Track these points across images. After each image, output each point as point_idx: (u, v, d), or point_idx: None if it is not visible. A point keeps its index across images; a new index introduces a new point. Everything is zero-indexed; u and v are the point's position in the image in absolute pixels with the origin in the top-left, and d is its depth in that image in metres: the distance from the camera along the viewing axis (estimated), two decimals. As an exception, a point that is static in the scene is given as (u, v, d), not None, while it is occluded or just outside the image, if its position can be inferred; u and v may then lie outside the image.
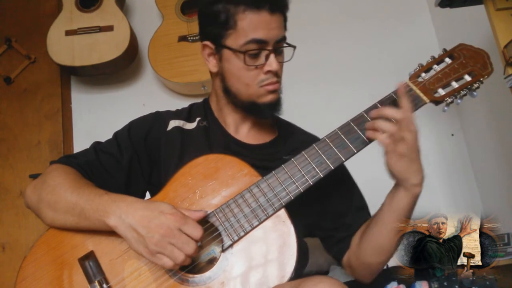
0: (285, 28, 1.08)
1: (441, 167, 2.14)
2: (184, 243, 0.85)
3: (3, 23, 2.30)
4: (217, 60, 1.08)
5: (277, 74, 1.06)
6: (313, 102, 2.18)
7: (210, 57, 1.09)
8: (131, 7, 2.34)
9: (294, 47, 1.08)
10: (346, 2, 2.35)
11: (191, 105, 1.21)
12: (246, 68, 1.02)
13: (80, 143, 2.14)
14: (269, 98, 1.06)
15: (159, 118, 1.15)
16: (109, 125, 2.09)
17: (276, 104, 1.08)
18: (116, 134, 1.12)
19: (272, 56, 1.02)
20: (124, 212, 0.87)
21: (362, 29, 2.29)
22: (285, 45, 1.06)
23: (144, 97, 2.22)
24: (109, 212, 0.88)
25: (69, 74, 2.22)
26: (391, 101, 0.98)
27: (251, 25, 1.00)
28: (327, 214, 1.11)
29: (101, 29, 2.05)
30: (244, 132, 1.14)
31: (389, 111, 0.91)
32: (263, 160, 1.09)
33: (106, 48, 2.01)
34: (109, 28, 2.05)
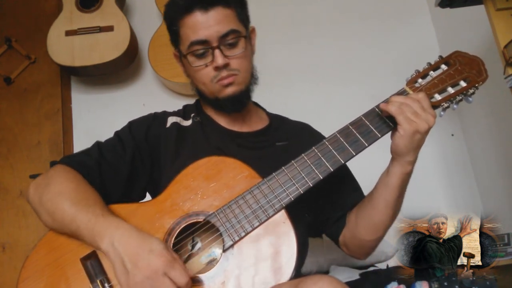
0: (239, 20, 1.09)
1: (441, 167, 2.14)
2: None
3: (3, 23, 2.29)
4: (183, 66, 1.16)
5: (230, 68, 1.07)
6: (313, 102, 2.18)
7: (180, 63, 1.18)
8: (131, 7, 2.34)
9: (244, 36, 1.09)
10: (346, 2, 2.35)
11: (185, 106, 1.25)
12: (194, 69, 1.08)
13: (80, 143, 2.14)
14: (228, 91, 1.09)
15: (158, 116, 1.18)
16: (109, 125, 2.09)
17: (238, 96, 1.10)
18: (117, 132, 1.14)
19: (216, 52, 1.05)
20: (117, 240, 0.87)
21: (362, 29, 2.29)
22: (232, 38, 1.06)
23: (144, 97, 2.22)
24: (103, 237, 0.88)
25: (69, 74, 2.22)
26: None
27: (189, 28, 1.06)
28: (321, 198, 1.13)
29: (101, 29, 2.05)
30: (237, 124, 1.18)
31: (413, 95, 0.96)
32: (257, 149, 1.14)
33: (106, 48, 2.01)
34: (109, 28, 2.05)
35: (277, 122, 1.24)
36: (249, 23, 1.14)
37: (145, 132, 1.13)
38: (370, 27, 2.30)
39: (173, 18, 1.10)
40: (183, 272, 0.85)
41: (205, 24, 1.04)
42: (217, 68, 1.06)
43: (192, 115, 1.19)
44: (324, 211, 1.15)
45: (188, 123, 1.17)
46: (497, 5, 1.25)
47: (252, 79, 1.13)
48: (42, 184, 1.00)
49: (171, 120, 1.16)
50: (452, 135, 2.18)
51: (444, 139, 2.17)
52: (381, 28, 2.30)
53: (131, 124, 1.16)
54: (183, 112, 1.21)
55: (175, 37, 1.12)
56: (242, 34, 1.08)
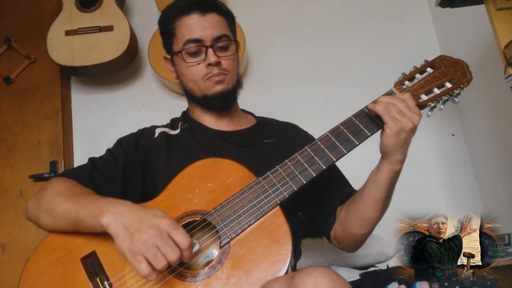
0: (229, 28, 1.20)
1: (441, 167, 2.14)
2: (170, 248, 0.83)
3: (3, 23, 2.30)
4: (173, 68, 1.22)
5: (221, 67, 1.15)
6: (313, 102, 2.18)
7: (171, 67, 1.24)
8: (131, 7, 2.35)
9: (234, 41, 1.20)
10: (346, 2, 2.35)
11: (172, 119, 1.30)
12: (187, 65, 1.15)
13: (80, 143, 2.14)
14: (217, 88, 1.15)
15: (146, 130, 1.24)
16: (109, 125, 2.11)
17: (226, 94, 1.17)
18: (108, 149, 1.18)
19: (210, 51, 1.13)
20: (119, 211, 0.89)
21: (362, 29, 2.30)
22: (224, 40, 1.16)
23: (144, 97, 2.22)
24: (104, 211, 0.89)
25: (69, 74, 2.22)
26: None
27: (185, 28, 1.15)
28: (310, 195, 1.15)
29: (101, 29, 2.05)
30: (224, 125, 1.22)
31: (399, 95, 1.00)
32: (245, 146, 1.18)
33: (106, 48, 2.01)
34: (109, 28, 2.05)
35: (264, 122, 1.29)
36: (236, 37, 1.24)
37: (134, 144, 1.17)
38: (370, 27, 2.30)
39: (170, 18, 1.18)
40: (186, 234, 0.86)
41: (201, 25, 1.13)
42: (209, 66, 1.13)
43: (180, 123, 1.24)
44: (313, 208, 1.18)
45: (176, 131, 1.23)
46: (498, 5, 1.25)
47: (238, 82, 1.21)
48: (38, 194, 1.04)
49: (158, 131, 1.21)
50: (453, 135, 2.18)
51: (444, 139, 2.17)
52: (381, 28, 2.30)
53: (121, 140, 1.20)
54: (171, 124, 1.27)
55: (168, 38, 1.20)
56: (232, 39, 1.19)
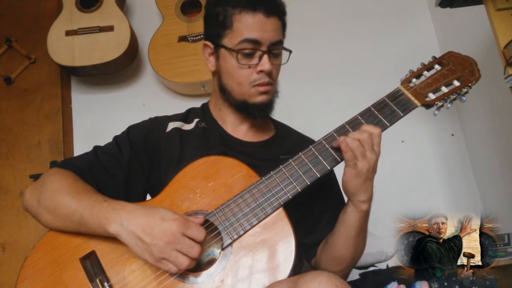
0: (283, 34, 1.12)
1: (441, 167, 2.14)
2: (189, 247, 0.85)
3: (3, 23, 2.30)
4: (215, 59, 1.13)
5: (271, 76, 1.09)
6: (313, 102, 2.18)
7: (210, 57, 1.14)
8: (131, 7, 2.35)
9: (290, 51, 1.12)
10: (346, 2, 2.35)
11: (189, 109, 1.24)
12: (239, 66, 1.07)
13: (80, 143, 2.15)
14: (260, 98, 1.09)
15: (158, 121, 1.18)
16: (109, 125, 2.10)
17: (266, 106, 1.11)
18: (115, 137, 1.15)
19: (265, 57, 1.06)
20: (125, 219, 0.88)
21: (362, 29, 2.30)
22: (279, 48, 1.10)
23: (144, 97, 2.22)
24: (110, 220, 0.89)
25: (69, 74, 2.22)
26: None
27: (246, 25, 1.05)
28: (304, 218, 1.12)
29: (101, 29, 2.05)
30: (243, 131, 1.17)
31: (356, 134, 0.95)
32: (260, 160, 1.11)
33: (106, 48, 2.02)
34: (109, 28, 2.05)
35: (284, 134, 1.23)
36: None
37: (143, 136, 1.13)
38: (370, 27, 2.30)
39: (229, 6, 1.07)
40: (199, 228, 0.88)
41: (263, 27, 1.05)
42: (261, 72, 1.06)
43: (197, 120, 1.18)
44: (301, 233, 1.11)
45: (190, 126, 1.17)
46: (497, 5, 1.26)
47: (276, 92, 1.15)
48: (37, 187, 1.01)
49: (172, 125, 1.16)
50: (452, 135, 2.18)
51: (444, 139, 2.17)
52: (381, 28, 2.30)
53: (130, 128, 1.16)
54: (186, 116, 1.20)
55: (219, 27, 1.08)
56: (286, 48, 1.12)
